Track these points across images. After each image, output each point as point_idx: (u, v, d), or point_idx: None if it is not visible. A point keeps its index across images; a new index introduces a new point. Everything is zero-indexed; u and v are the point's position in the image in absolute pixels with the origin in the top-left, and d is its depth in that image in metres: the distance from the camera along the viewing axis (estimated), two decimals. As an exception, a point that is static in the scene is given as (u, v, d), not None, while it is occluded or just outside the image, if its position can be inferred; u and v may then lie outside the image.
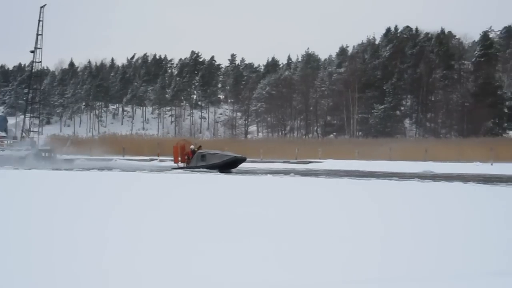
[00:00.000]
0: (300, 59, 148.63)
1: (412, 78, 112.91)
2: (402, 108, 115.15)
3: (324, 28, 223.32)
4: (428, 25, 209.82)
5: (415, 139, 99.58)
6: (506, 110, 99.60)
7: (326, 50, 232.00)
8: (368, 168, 49.37)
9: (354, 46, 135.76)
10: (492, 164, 54.54)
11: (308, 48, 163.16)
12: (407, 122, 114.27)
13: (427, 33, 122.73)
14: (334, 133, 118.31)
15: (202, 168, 47.53)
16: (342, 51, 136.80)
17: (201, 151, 50.56)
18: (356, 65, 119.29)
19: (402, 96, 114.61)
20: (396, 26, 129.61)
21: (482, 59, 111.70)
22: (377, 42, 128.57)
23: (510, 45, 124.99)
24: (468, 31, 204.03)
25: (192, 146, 52.06)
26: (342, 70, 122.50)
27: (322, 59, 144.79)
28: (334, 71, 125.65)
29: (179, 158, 51.24)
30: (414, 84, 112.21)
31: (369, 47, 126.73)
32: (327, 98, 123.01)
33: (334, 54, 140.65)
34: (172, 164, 53.01)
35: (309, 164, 59.24)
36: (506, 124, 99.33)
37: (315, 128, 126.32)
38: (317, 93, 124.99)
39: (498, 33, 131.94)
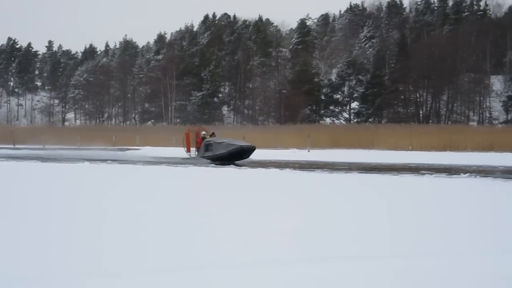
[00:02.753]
0: (118, 46, 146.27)
1: (230, 65, 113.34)
2: (220, 95, 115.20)
3: (142, 15, 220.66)
4: (246, 12, 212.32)
5: (233, 126, 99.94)
6: (322, 97, 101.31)
7: (144, 37, 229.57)
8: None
9: (172, 33, 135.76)
10: (309, 151, 55.29)
11: (126, 35, 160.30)
12: (225, 109, 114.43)
13: (245, 21, 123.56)
14: (152, 120, 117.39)
15: (209, 159, 41.03)
16: (160, 38, 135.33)
17: (208, 139, 42.98)
18: (174, 52, 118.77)
19: (220, 83, 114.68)
20: (214, 13, 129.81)
21: (299, 47, 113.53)
22: (195, 29, 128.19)
23: (326, 32, 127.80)
24: (285, 18, 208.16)
25: (203, 133, 44.71)
26: (160, 57, 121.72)
27: (140, 46, 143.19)
28: (152, 58, 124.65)
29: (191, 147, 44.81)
30: (232, 71, 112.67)
31: (187, 34, 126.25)
32: (145, 85, 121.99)
33: (152, 41, 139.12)
34: (184, 153, 45.44)
35: (127, 151, 58.41)
36: (322, 111, 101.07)
37: (133, 115, 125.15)
38: (135, 80, 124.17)
39: (315, 21, 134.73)
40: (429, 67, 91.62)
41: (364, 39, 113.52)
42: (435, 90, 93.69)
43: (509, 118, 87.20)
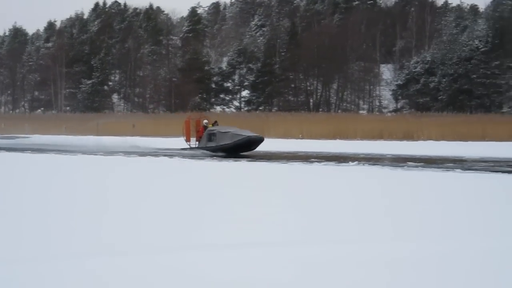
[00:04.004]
0: (7, 33, 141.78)
1: (121, 53, 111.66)
2: (110, 83, 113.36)
3: (32, 3, 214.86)
4: (137, 0, 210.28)
5: (123, 114, 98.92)
6: (213, 86, 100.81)
7: (34, 25, 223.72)
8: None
9: (62, 20, 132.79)
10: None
11: (15, 23, 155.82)
12: (115, 97, 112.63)
13: (135, 8, 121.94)
14: (42, 108, 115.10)
15: (212, 150, 38.22)
16: (50, 25, 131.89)
17: (211, 129, 39.60)
18: (63, 40, 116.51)
19: (111, 71, 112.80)
20: (104, 1, 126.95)
21: (190, 35, 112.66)
22: (85, 17, 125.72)
23: (217, 21, 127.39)
24: (176, 6, 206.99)
25: (205, 121, 41.21)
26: (50, 45, 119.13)
27: (30, 34, 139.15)
28: (42, 45, 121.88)
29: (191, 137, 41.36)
30: (122, 59, 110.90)
31: (77, 22, 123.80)
32: (35, 73, 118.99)
33: (42, 29, 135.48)
34: (183, 143, 42.18)
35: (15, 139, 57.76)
36: (213, 99, 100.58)
37: (23, 103, 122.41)
38: (24, 68, 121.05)
39: (206, 9, 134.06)
40: (319, 56, 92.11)
41: (255, 28, 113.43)
42: (325, 79, 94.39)
43: (398, 106, 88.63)
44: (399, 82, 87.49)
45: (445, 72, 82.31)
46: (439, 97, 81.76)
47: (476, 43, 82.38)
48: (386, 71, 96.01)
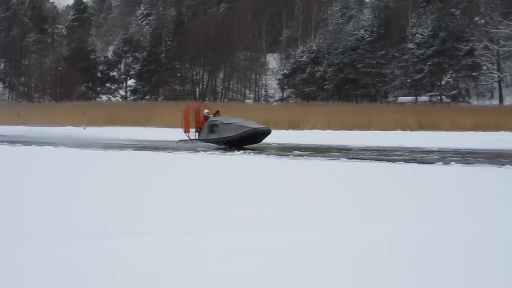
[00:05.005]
0: None
1: (5, 41, 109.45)
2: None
3: None
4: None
5: (8, 103, 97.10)
6: (99, 75, 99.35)
7: None
8: None
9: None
10: (84, 128, 55.88)
11: None
12: (0, 86, 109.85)
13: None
14: None
15: (213, 143, 35.83)
16: None
17: (213, 119, 37.00)
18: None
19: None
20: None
21: (76, 24, 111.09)
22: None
23: (103, 10, 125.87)
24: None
25: (206, 111, 38.53)
26: None
27: None
28: None
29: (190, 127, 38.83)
30: (7, 47, 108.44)
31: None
32: None
33: None
34: (181, 134, 39.35)
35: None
36: (99, 89, 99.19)
37: None
38: None
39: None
40: (205, 45, 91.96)
41: (141, 17, 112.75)
42: (211, 68, 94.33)
43: (284, 96, 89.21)
44: (285, 71, 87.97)
45: (331, 61, 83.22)
46: (325, 87, 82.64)
47: (362, 32, 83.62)
48: (272, 61, 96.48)
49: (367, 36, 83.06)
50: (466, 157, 26.85)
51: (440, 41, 78.40)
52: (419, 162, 23.83)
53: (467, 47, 78.45)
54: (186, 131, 38.95)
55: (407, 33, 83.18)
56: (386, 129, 49.96)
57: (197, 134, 37.98)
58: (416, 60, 79.70)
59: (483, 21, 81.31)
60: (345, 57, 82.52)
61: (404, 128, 49.91)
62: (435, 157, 26.79)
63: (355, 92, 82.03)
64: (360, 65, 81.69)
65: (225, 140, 35.32)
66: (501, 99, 76.87)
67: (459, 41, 78.58)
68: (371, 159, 25.54)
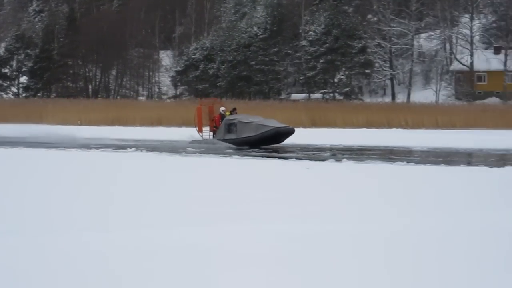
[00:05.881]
0: None
1: None
2: None
3: None
4: None
5: None
6: None
7: None
8: None
9: None
10: None
11: None
12: None
13: None
14: None
15: (232, 143, 33.15)
16: None
17: (231, 118, 34.52)
18: None
19: None
20: None
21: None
22: None
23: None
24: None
25: (222, 109, 35.75)
26: None
27: None
28: None
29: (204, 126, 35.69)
30: None
31: None
32: None
33: None
34: (195, 134, 36.16)
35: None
36: None
37: None
38: None
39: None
40: (98, 42, 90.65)
41: (33, 13, 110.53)
42: (104, 65, 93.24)
43: (177, 93, 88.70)
44: (178, 68, 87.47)
45: (224, 58, 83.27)
46: (218, 84, 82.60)
47: (255, 30, 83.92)
48: (166, 58, 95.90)
49: (260, 33, 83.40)
50: (358, 154, 27.06)
51: (333, 39, 79.46)
52: (311, 159, 23.80)
53: (360, 45, 79.80)
54: (199, 130, 35.97)
55: (300, 31, 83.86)
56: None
57: (211, 133, 35.34)
58: (309, 57, 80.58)
59: (375, 19, 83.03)
60: (238, 54, 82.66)
61: (297, 125, 50.11)
62: (327, 154, 26.90)
63: (249, 89, 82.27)
64: (253, 62, 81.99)
65: (244, 140, 33.06)
66: (393, 96, 78.55)
67: (351, 39, 79.80)
68: (263, 156, 25.43)
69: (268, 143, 33.00)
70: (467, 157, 28.16)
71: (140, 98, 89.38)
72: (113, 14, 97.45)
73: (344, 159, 22.94)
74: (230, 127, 33.74)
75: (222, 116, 34.69)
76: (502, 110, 57.95)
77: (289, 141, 33.79)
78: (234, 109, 36.02)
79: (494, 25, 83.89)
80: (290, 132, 33.28)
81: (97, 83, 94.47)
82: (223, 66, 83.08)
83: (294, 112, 54.62)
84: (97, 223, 10.29)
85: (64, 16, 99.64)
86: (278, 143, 33.63)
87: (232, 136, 33.42)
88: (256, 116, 35.66)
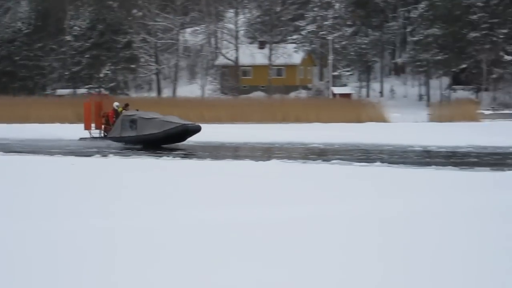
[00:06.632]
0: None
1: None
2: None
3: None
4: None
5: None
6: None
7: None
8: None
9: None
10: None
11: None
12: None
13: None
14: None
15: (130, 141, 30.49)
16: None
17: (129, 113, 31.99)
18: None
19: None
20: None
21: None
22: None
23: None
24: None
25: (116, 104, 32.88)
26: None
27: None
28: None
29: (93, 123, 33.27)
30: None
31: None
32: None
33: None
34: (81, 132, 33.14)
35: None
36: None
37: None
38: None
39: None
40: None
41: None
42: None
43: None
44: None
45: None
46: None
47: (19, 25, 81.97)
48: None
49: (24, 28, 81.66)
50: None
51: (98, 34, 79.30)
52: (77, 155, 24.18)
53: (125, 40, 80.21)
54: (87, 127, 33.75)
55: (65, 26, 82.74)
56: (46, 122, 49.17)
57: (102, 131, 33.25)
58: (74, 52, 79.88)
59: (141, 13, 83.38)
60: (1, 49, 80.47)
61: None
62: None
63: (13, 84, 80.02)
64: (17, 58, 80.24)
65: (146, 138, 31.05)
66: (159, 91, 79.44)
67: (117, 34, 79.99)
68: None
69: (172, 141, 31.64)
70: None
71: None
72: None
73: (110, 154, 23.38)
74: (131, 124, 31.67)
75: (116, 112, 32.67)
76: (267, 104, 60.23)
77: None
78: (127, 104, 34.05)
79: (258, 20, 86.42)
80: (197, 129, 31.56)
81: None
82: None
83: (60, 107, 54.00)
84: None
85: None
86: (181, 141, 32.22)
87: (131, 133, 31.48)
88: (155, 113, 33.51)
